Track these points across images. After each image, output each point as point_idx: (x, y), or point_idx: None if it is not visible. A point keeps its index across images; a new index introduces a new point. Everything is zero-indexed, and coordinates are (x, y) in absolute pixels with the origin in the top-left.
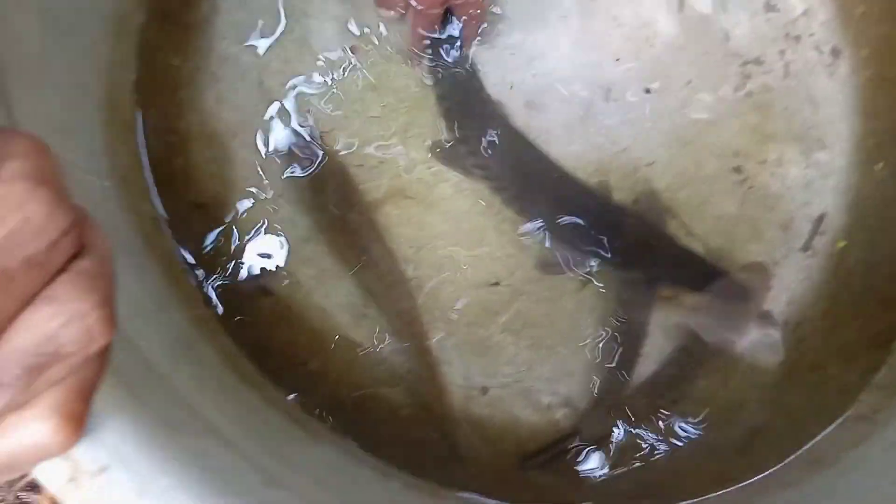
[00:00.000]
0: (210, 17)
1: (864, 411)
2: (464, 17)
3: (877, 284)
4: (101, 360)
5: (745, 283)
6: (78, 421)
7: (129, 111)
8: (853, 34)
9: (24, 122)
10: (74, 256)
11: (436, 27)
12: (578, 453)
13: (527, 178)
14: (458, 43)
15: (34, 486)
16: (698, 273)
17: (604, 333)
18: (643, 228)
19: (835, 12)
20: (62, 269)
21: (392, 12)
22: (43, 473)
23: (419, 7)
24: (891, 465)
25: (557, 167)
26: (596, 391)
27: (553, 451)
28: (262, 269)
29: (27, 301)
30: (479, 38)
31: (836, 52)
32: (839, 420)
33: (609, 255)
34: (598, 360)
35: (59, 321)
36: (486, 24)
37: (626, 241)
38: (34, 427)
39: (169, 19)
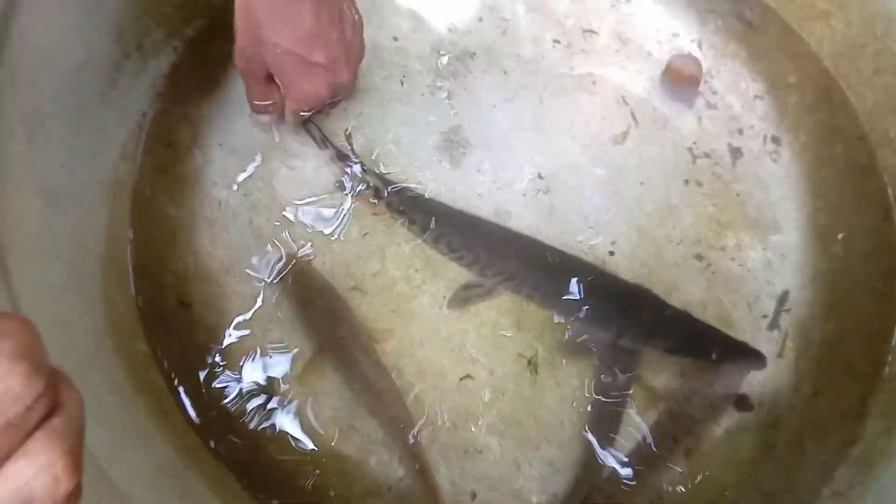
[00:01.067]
0: (203, 166)
1: (840, 487)
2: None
3: (844, 357)
4: (71, 501)
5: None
6: None
7: (125, 261)
8: (789, 122)
9: (21, 286)
10: (49, 413)
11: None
12: None
13: (523, 261)
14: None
15: None
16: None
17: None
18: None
19: (770, 104)
20: (37, 426)
21: (266, 117)
22: None
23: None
24: None
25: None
26: (573, 477)
27: None
28: (255, 392)
29: (5, 457)
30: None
31: (776, 140)
32: (818, 498)
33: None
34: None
35: (31, 472)
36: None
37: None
38: None
39: (164, 173)
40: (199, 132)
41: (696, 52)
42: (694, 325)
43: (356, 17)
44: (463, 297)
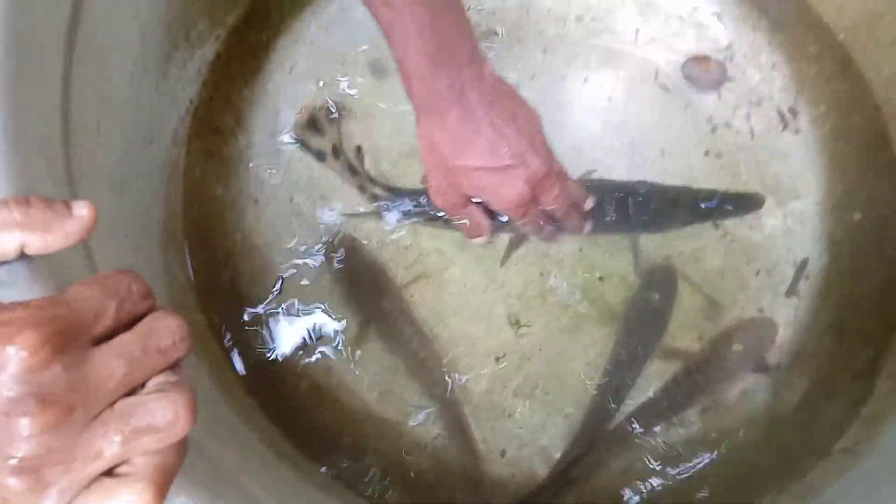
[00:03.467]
0: (246, 149)
1: (848, 444)
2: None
3: (855, 320)
4: (181, 447)
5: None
6: (160, 491)
7: (182, 238)
8: (809, 93)
9: (101, 264)
10: (177, 363)
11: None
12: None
13: None
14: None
15: None
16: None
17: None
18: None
19: (790, 76)
20: (169, 367)
21: (483, 238)
22: None
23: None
24: (867, 494)
25: None
26: (582, 421)
27: (540, 496)
28: (301, 358)
29: (148, 376)
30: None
31: (794, 111)
32: (828, 454)
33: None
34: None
35: (159, 403)
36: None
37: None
38: (125, 488)
39: (211, 156)
40: (241, 116)
41: (717, 25)
42: (695, 196)
43: (526, 110)
44: (508, 254)
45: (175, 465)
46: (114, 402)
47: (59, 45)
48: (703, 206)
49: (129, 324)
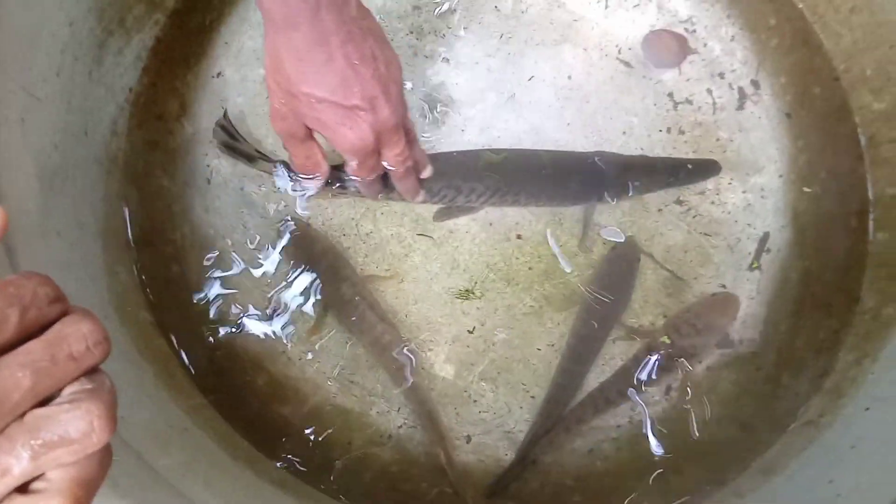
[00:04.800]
0: (193, 137)
1: (811, 416)
2: (394, 169)
3: (818, 293)
4: (102, 457)
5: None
6: None
7: (124, 234)
8: (769, 65)
9: (26, 265)
10: (94, 369)
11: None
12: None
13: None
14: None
15: None
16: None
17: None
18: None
19: (750, 47)
20: (87, 373)
21: (314, 182)
22: None
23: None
24: (829, 466)
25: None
26: (544, 399)
27: (506, 479)
28: (258, 351)
29: (59, 386)
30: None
31: (756, 84)
32: (791, 428)
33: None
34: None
35: (72, 414)
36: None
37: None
38: None
39: (155, 146)
40: (186, 103)
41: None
42: (652, 164)
43: (388, 54)
44: (446, 213)
45: (96, 476)
46: (23, 415)
47: None
48: (660, 173)
49: (37, 331)
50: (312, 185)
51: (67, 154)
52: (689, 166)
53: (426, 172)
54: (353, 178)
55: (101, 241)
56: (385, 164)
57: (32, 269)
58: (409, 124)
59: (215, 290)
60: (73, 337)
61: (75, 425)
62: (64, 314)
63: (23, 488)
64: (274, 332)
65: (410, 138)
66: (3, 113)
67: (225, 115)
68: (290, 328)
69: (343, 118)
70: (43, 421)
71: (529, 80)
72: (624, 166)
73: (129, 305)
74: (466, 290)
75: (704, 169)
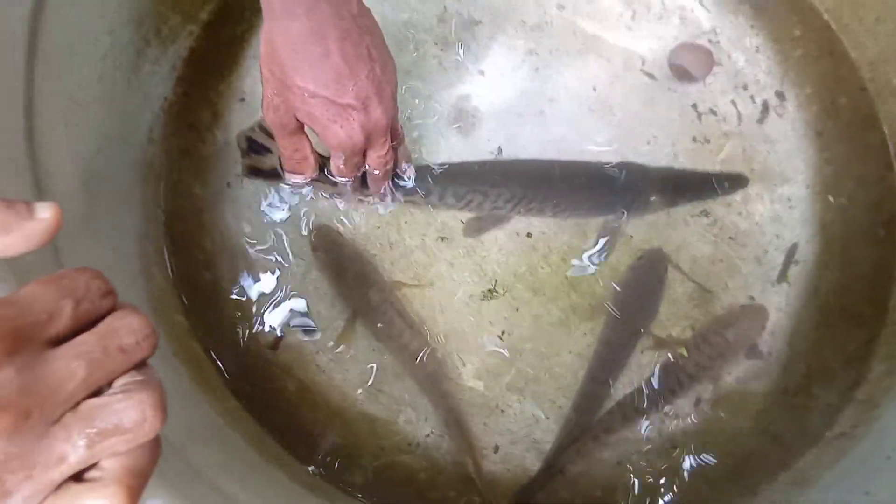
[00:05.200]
0: (224, 146)
1: (845, 428)
2: (374, 171)
3: (849, 304)
4: (153, 448)
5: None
6: (132, 494)
7: (160, 239)
8: (794, 75)
9: (70, 264)
10: (142, 363)
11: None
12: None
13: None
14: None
15: None
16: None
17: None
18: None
19: (774, 58)
20: (136, 367)
21: (300, 177)
22: None
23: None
24: (865, 478)
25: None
26: (571, 409)
27: (533, 487)
28: (287, 357)
29: (110, 377)
30: (390, 189)
31: (781, 95)
32: (823, 439)
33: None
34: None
35: (125, 404)
36: (406, 168)
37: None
38: (95, 493)
39: (188, 154)
40: (218, 112)
41: (700, 10)
42: (679, 176)
43: (384, 54)
44: (476, 227)
45: (147, 466)
46: (77, 405)
47: (20, 41)
48: (688, 186)
49: (89, 324)
50: (300, 179)
51: (108, 159)
52: (717, 179)
53: (408, 175)
54: (334, 175)
55: (139, 245)
56: (368, 162)
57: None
58: (397, 125)
59: (245, 296)
60: (124, 330)
61: (129, 414)
62: (113, 309)
63: (77, 477)
64: (303, 339)
65: (398, 141)
66: (50, 116)
67: (256, 126)
68: (319, 335)
69: (335, 115)
70: (97, 410)
71: (555, 91)
72: (650, 178)
73: (164, 308)
74: (490, 291)
75: (732, 182)
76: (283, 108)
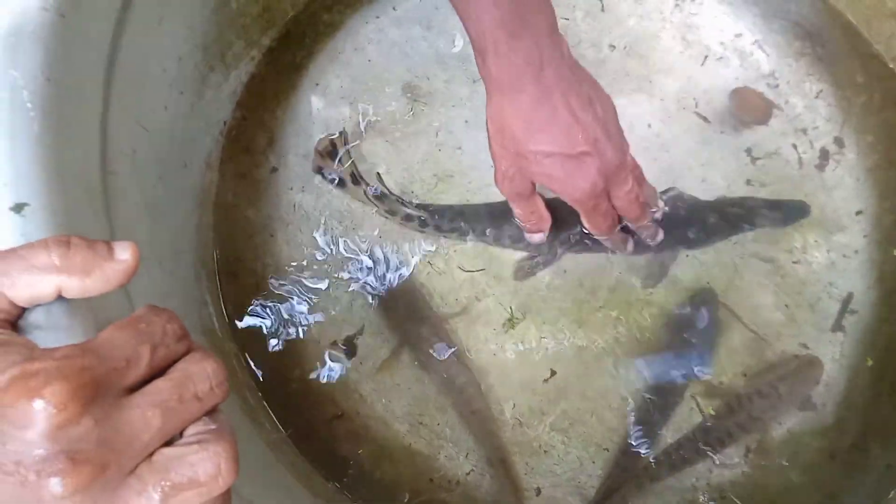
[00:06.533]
0: (278, 170)
1: None
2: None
3: None
4: (225, 500)
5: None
6: None
7: (212, 263)
8: (855, 123)
9: (136, 293)
10: (214, 409)
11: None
12: None
13: None
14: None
15: None
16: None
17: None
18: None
19: (835, 104)
20: (207, 413)
21: (540, 235)
22: None
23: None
24: None
25: None
26: (616, 453)
27: None
28: (332, 388)
29: (183, 426)
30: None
31: (839, 141)
32: (883, 501)
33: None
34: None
35: (200, 456)
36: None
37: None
38: None
39: (242, 178)
40: (274, 138)
41: (759, 53)
42: (732, 203)
43: (601, 93)
44: (527, 269)
45: None
46: (151, 454)
47: (99, 71)
48: (742, 213)
49: (163, 368)
50: (539, 237)
51: (169, 185)
52: (774, 208)
53: (659, 208)
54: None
55: (194, 271)
56: (618, 204)
57: (141, 296)
58: (633, 160)
59: (292, 323)
60: (199, 377)
61: (204, 467)
62: (187, 352)
63: None
64: (347, 368)
65: (637, 175)
66: (119, 145)
67: (341, 134)
68: (363, 365)
69: (573, 168)
70: (172, 462)
71: None
72: (706, 208)
73: (215, 335)
74: (535, 327)
75: (792, 210)
76: (518, 178)
